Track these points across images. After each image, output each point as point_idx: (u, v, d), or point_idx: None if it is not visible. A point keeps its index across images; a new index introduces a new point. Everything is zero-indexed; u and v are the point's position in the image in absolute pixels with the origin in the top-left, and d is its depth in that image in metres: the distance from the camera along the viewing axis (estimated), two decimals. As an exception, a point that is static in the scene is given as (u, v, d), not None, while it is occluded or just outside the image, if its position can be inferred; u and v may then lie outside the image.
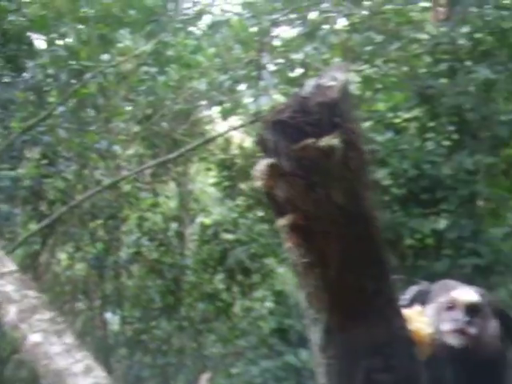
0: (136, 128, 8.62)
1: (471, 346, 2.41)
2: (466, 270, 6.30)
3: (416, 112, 7.22)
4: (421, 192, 6.88)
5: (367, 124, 7.27)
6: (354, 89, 7.19)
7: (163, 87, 7.92)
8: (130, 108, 8.59)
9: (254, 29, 7.71)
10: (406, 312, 1.91)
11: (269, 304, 8.53)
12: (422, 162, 6.76)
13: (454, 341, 2.41)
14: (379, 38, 7.07)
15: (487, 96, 6.84)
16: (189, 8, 8.73)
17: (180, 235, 9.39)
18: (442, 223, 6.71)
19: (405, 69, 7.40)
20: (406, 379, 1.79)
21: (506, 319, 2.52)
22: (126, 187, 8.88)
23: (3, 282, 3.68)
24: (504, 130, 6.72)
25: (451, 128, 7.09)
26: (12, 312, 3.51)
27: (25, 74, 7.62)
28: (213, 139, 8.88)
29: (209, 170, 9.60)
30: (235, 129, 8.49)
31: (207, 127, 9.46)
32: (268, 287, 8.70)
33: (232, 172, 8.88)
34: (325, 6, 7.60)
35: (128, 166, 8.80)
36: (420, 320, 2.09)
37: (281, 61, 7.73)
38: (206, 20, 8.22)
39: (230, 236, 8.92)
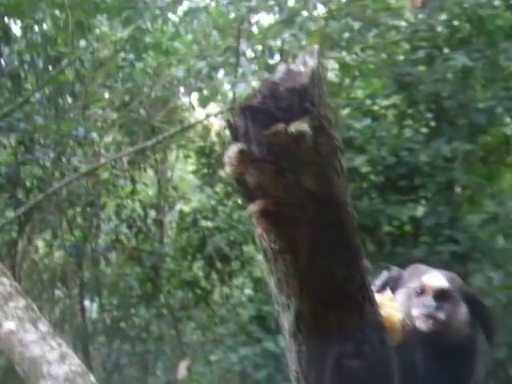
0: (114, 115, 8.57)
1: (440, 331, 2.43)
2: (444, 257, 6.33)
3: (394, 99, 7.23)
4: (399, 179, 6.90)
5: (345, 111, 7.28)
6: (332, 76, 7.20)
7: (141, 74, 7.88)
8: (107, 95, 8.54)
9: (232, 15, 7.68)
10: (377, 297, 1.92)
11: (248, 291, 8.53)
12: (399, 149, 6.77)
13: (422, 325, 2.44)
14: (357, 24, 7.06)
15: (465, 83, 6.85)
16: (166, -6, 8.67)
17: (159, 223, 9.37)
18: (419, 210, 6.74)
19: (383, 56, 7.41)
20: (377, 365, 1.80)
21: (475, 304, 2.54)
22: (104, 174, 8.84)
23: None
24: (481, 118, 6.74)
25: (429, 115, 7.11)
26: (-14, 300, 3.49)
27: (0, 60, 7.54)
28: (191, 126, 8.85)
29: (188, 157, 9.56)
30: (213, 116, 8.46)
31: (186, 114, 9.42)
32: (247, 274, 8.70)
33: (211, 159, 8.85)
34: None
35: (106, 154, 8.76)
36: (391, 305, 2.09)
37: (259, 47, 7.71)
38: (184, 6, 8.16)
39: (209, 223, 8.91)
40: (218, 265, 8.79)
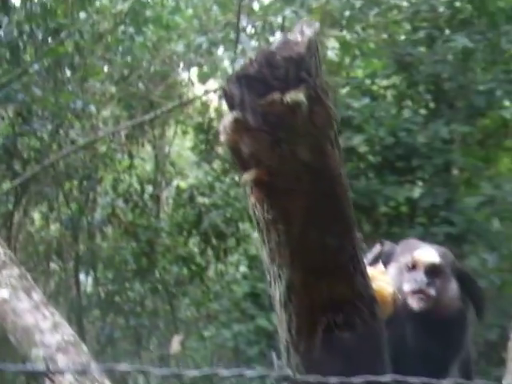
0: (112, 88, 8.53)
1: (431, 308, 2.44)
2: (439, 239, 6.34)
3: (394, 79, 7.21)
4: (396, 160, 6.89)
5: (344, 90, 7.26)
6: (332, 54, 7.16)
7: (140, 48, 7.85)
8: (106, 68, 8.50)
9: (233, -10, 7.63)
10: (369, 271, 1.92)
11: (243, 268, 8.55)
12: (398, 129, 6.76)
13: (413, 303, 2.44)
14: (358, 3, 7.02)
15: (465, 65, 6.83)
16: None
17: (155, 198, 9.36)
18: (416, 191, 6.74)
19: (384, 35, 7.37)
20: (367, 337, 1.81)
21: (466, 279, 2.55)
22: (102, 148, 8.82)
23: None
24: (480, 100, 6.73)
25: (428, 96, 7.09)
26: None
27: (-1, 31, 7.50)
28: (190, 102, 8.82)
29: (186, 133, 9.54)
30: (212, 92, 8.43)
31: (184, 90, 9.38)
32: (242, 252, 8.71)
33: (209, 136, 8.82)
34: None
35: (104, 127, 8.73)
36: (382, 279, 2.10)
37: (260, 24, 7.67)
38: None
39: (205, 200, 8.90)
40: (214, 241, 8.79)
